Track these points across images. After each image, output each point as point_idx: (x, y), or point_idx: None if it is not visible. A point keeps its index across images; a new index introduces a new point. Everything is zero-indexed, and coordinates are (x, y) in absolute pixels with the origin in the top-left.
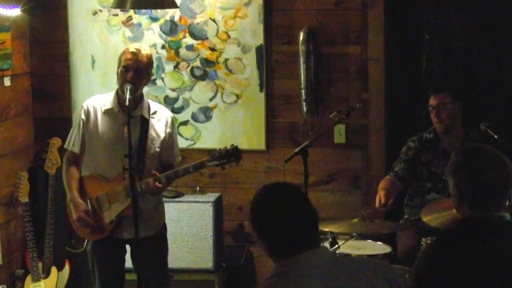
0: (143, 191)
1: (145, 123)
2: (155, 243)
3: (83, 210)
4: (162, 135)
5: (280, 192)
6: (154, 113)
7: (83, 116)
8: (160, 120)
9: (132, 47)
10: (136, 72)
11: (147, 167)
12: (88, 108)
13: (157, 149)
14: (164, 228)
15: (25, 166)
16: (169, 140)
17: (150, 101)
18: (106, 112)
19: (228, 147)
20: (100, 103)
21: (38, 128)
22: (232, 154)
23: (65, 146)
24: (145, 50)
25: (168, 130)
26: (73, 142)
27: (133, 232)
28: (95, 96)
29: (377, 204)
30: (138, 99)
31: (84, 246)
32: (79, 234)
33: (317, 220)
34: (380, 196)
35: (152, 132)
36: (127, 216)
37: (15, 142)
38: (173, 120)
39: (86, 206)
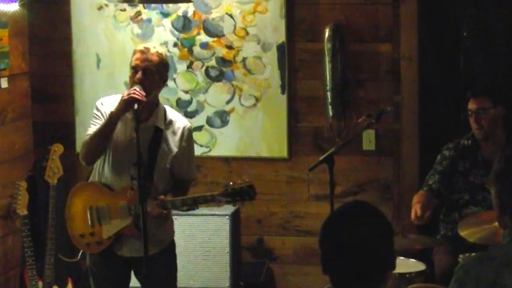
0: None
1: (158, 135)
2: (159, 261)
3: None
4: (175, 150)
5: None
6: (170, 123)
7: (99, 110)
8: (175, 132)
9: (141, 46)
10: (144, 72)
11: (154, 184)
12: (103, 105)
13: (167, 165)
14: (172, 245)
15: (23, 175)
16: (183, 156)
17: (168, 108)
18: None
19: (242, 183)
20: (114, 106)
21: (38, 134)
22: (246, 193)
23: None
24: (156, 48)
25: (183, 144)
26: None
27: (134, 250)
28: (108, 97)
29: (412, 216)
30: (151, 106)
31: (79, 256)
32: (78, 247)
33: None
34: (416, 209)
35: (164, 146)
36: (126, 234)
37: (13, 149)
38: (191, 132)
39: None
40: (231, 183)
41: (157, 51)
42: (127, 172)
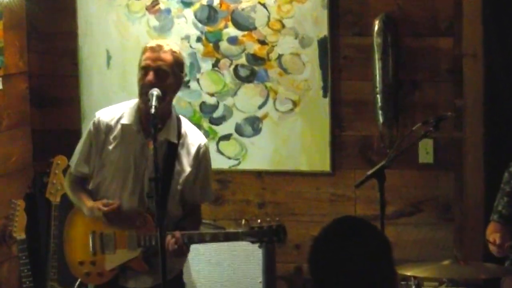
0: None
1: (172, 151)
2: None
3: (103, 204)
4: (187, 170)
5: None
6: (183, 136)
7: (92, 130)
8: (188, 149)
9: (153, 42)
10: (157, 73)
11: (168, 211)
12: (99, 121)
13: (179, 187)
14: (180, 273)
15: (21, 192)
16: (197, 177)
17: (182, 119)
18: (122, 129)
19: (272, 222)
20: (114, 117)
21: (38, 144)
22: (275, 234)
23: (70, 163)
24: (170, 45)
25: (198, 163)
26: (77, 161)
27: (141, 281)
28: (109, 108)
29: (490, 246)
30: (164, 114)
31: (75, 287)
32: (76, 275)
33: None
34: (494, 237)
35: (176, 164)
36: (132, 268)
37: (9, 161)
38: (208, 151)
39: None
40: (259, 220)
41: (171, 49)
42: (132, 194)
